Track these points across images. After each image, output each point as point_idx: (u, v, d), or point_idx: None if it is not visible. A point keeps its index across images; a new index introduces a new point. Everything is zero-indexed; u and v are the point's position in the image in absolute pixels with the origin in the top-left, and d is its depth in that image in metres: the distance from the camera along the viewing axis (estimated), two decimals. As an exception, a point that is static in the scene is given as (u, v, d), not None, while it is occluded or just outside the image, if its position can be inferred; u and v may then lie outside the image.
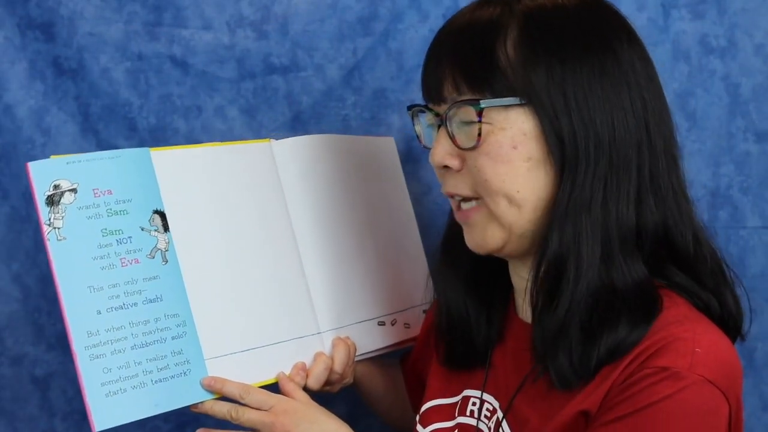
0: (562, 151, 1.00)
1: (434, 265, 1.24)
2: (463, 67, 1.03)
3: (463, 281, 1.17)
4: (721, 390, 0.96)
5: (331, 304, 1.26)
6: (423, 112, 1.11)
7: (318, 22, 1.48)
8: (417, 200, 1.47)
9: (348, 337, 1.26)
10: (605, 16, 1.05)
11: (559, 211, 1.01)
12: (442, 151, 1.06)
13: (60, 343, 1.46)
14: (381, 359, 1.37)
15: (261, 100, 1.48)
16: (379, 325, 1.33)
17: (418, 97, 1.12)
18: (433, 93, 1.07)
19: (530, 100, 1.00)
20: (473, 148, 1.03)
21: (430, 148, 1.08)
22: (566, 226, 1.00)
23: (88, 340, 1.06)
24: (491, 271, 1.16)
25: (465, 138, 1.03)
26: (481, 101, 1.01)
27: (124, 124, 1.47)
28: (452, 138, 1.04)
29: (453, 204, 1.11)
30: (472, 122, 1.02)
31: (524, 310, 1.12)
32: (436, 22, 1.47)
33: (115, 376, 1.07)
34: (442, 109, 1.05)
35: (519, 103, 1.00)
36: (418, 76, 1.11)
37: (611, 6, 1.07)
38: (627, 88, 1.01)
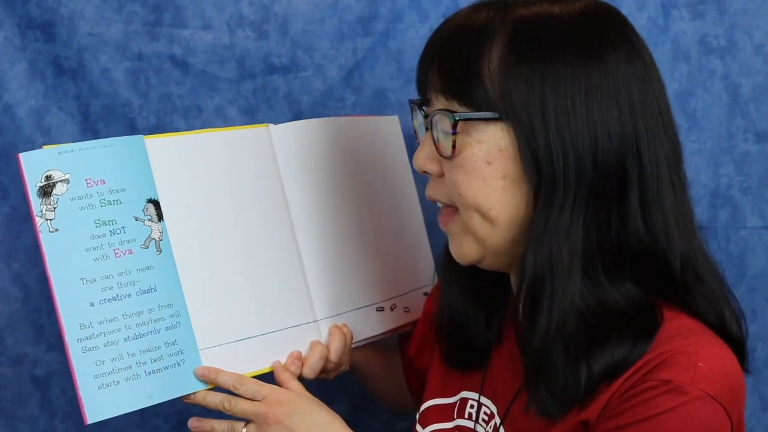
0: (539, 172, 0.97)
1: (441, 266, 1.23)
2: (447, 73, 1.01)
3: (466, 284, 1.16)
4: (724, 406, 0.94)
5: (328, 291, 1.25)
6: (420, 109, 1.10)
7: (318, 22, 1.48)
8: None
9: (345, 325, 1.25)
10: (605, 30, 1.00)
11: (535, 234, 0.98)
12: (423, 156, 1.06)
13: (60, 343, 1.45)
14: (379, 342, 1.35)
15: (261, 100, 1.49)
16: (377, 310, 1.31)
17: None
18: (421, 92, 1.07)
19: (508, 115, 0.98)
20: (450, 158, 1.02)
21: None
22: (541, 251, 0.98)
23: (81, 332, 1.06)
24: (492, 274, 1.15)
25: (445, 147, 1.02)
26: (456, 114, 1.00)
27: (124, 124, 1.47)
28: (436, 144, 1.03)
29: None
30: (450, 133, 1.01)
31: (521, 313, 1.11)
32: (436, 22, 1.48)
33: (108, 369, 1.06)
34: (429, 110, 1.05)
35: (497, 117, 0.98)
36: (418, 76, 1.11)
37: (616, 17, 1.03)
38: (617, 110, 0.97)
